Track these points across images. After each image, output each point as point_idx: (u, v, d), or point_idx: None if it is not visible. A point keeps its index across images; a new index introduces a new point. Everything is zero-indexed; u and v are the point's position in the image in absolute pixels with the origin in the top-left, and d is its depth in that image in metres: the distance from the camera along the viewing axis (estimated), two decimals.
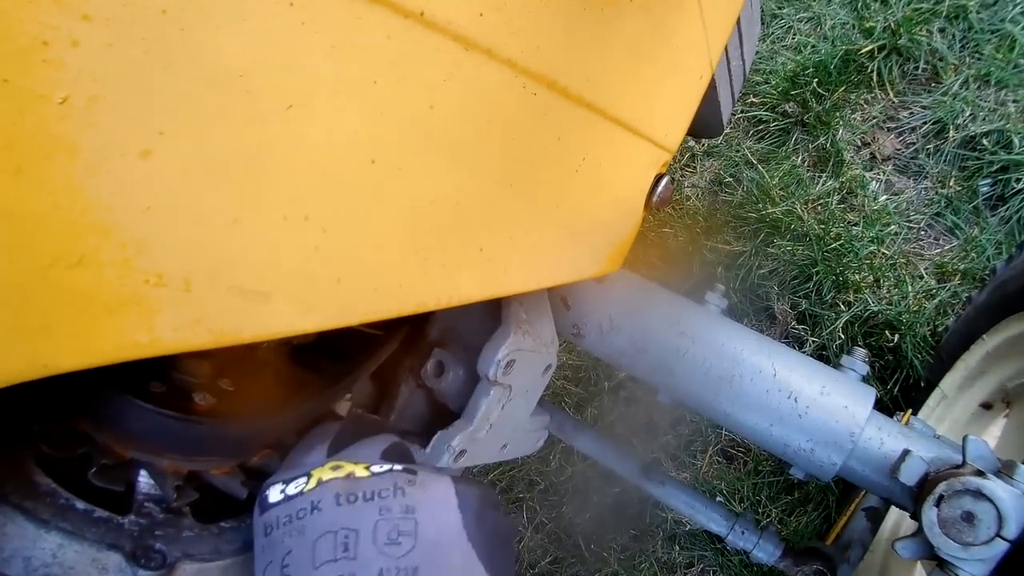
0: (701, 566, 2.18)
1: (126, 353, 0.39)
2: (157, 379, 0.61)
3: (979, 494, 0.93)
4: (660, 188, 0.99)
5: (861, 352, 1.24)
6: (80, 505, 0.55)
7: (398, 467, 0.55)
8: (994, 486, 0.93)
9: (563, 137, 0.70)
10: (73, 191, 0.34)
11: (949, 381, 1.78)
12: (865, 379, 1.22)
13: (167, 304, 0.39)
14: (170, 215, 0.38)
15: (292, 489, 0.52)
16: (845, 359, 1.24)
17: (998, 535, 0.92)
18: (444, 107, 0.51)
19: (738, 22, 1.37)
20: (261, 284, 0.43)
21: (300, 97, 0.40)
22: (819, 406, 1.14)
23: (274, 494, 0.53)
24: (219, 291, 0.41)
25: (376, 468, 0.54)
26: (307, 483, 0.52)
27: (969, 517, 0.93)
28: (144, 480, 0.61)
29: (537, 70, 0.59)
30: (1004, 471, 0.96)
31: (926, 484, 0.99)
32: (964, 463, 0.99)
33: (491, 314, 1.03)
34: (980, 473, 0.95)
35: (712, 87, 1.27)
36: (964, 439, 1.02)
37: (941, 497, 0.95)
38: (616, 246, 1.01)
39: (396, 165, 0.49)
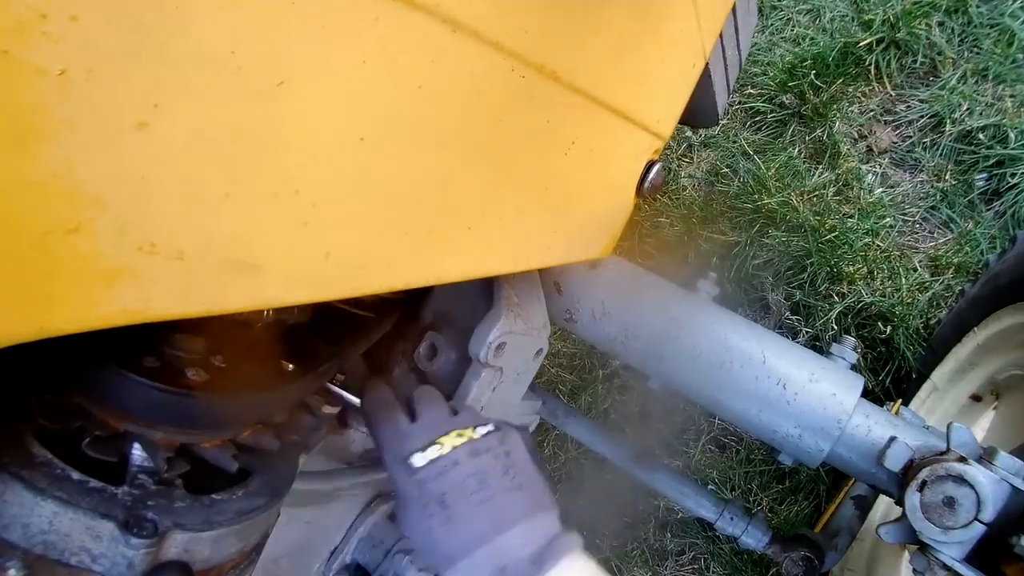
0: (692, 553, 2.20)
1: (121, 318, 0.40)
2: (152, 355, 0.62)
3: (960, 479, 0.95)
4: (652, 174, 1.00)
5: (850, 340, 1.26)
6: (75, 476, 0.56)
7: (492, 427, 0.80)
8: (975, 472, 0.95)
9: (552, 120, 0.71)
10: (70, 161, 0.34)
11: (940, 373, 1.80)
12: (854, 367, 1.24)
13: (160, 272, 0.40)
14: (163, 186, 0.39)
15: (432, 454, 0.73)
16: (834, 347, 1.25)
17: (976, 519, 0.94)
18: (432, 88, 0.52)
19: (734, 11, 1.38)
20: (252, 256, 0.44)
21: (289, 76, 0.41)
22: (808, 393, 1.15)
23: (418, 460, 0.73)
24: (211, 262, 0.42)
25: (482, 430, 0.78)
26: (442, 449, 0.74)
27: (950, 502, 0.95)
28: (137, 452, 0.62)
29: (525, 53, 0.60)
30: (985, 457, 0.98)
31: (910, 470, 1.01)
32: (948, 450, 1.01)
33: (483, 298, 1.04)
34: (963, 459, 0.97)
35: (707, 76, 1.28)
36: (948, 426, 1.03)
37: (924, 483, 0.97)
38: (607, 231, 1.02)
39: (384, 143, 0.49)
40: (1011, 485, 0.95)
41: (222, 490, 0.66)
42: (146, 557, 0.57)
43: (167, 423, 0.63)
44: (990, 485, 0.94)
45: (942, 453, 1.00)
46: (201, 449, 0.68)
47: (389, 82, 0.48)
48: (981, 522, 0.94)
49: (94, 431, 0.61)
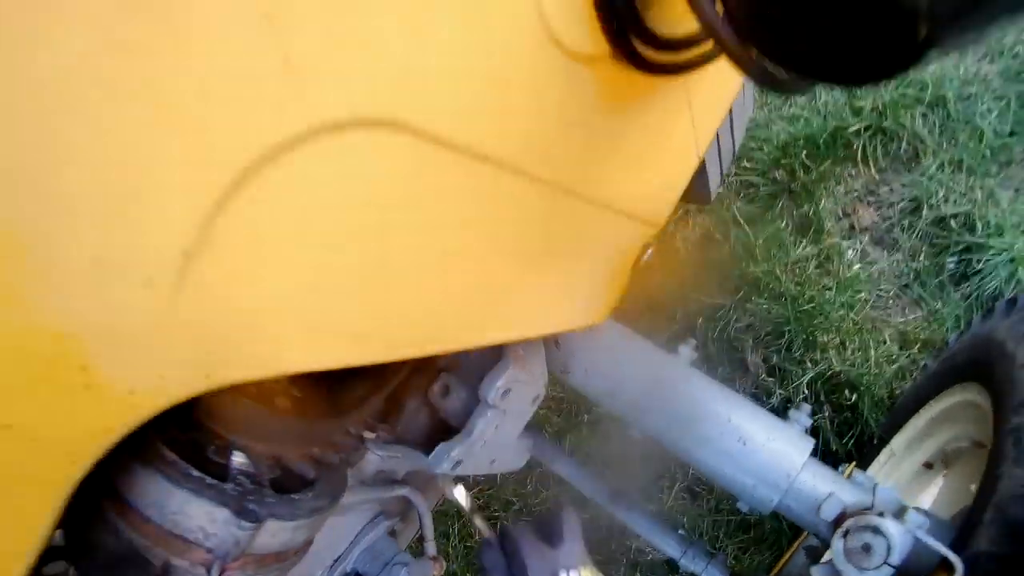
0: None
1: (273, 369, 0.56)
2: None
3: (876, 530, 1.15)
4: (646, 255, 1.18)
5: (807, 407, 1.44)
6: (195, 473, 0.72)
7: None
8: (888, 524, 1.15)
9: (568, 222, 0.86)
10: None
11: (899, 440, 1.94)
12: (808, 431, 1.41)
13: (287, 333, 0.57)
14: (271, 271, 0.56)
15: None
16: (792, 412, 1.43)
17: (886, 562, 1.14)
18: (479, 210, 0.67)
19: (730, 110, 1.56)
20: (358, 326, 0.61)
21: (392, 212, 0.57)
22: (764, 450, 1.34)
23: None
24: (305, 327, 0.58)
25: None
26: None
27: (867, 547, 1.15)
28: (239, 459, 0.78)
29: (554, 179, 0.75)
30: (899, 514, 1.18)
31: (839, 521, 1.20)
32: (872, 506, 1.20)
33: (494, 349, 1.20)
34: (881, 514, 1.17)
35: (701, 165, 1.46)
36: (874, 487, 1.22)
37: (847, 531, 1.17)
38: (604, 301, 1.17)
39: (444, 250, 0.65)
40: (915, 536, 1.14)
41: (298, 491, 0.83)
42: (250, 538, 0.74)
43: (264, 437, 0.80)
44: (899, 535, 1.14)
45: (867, 508, 1.19)
46: (289, 460, 0.85)
47: (443, 205, 0.63)
48: (890, 565, 1.14)
49: (212, 441, 0.78)
